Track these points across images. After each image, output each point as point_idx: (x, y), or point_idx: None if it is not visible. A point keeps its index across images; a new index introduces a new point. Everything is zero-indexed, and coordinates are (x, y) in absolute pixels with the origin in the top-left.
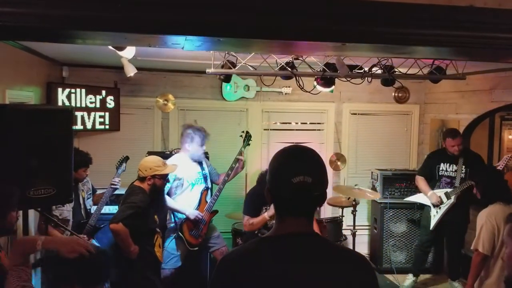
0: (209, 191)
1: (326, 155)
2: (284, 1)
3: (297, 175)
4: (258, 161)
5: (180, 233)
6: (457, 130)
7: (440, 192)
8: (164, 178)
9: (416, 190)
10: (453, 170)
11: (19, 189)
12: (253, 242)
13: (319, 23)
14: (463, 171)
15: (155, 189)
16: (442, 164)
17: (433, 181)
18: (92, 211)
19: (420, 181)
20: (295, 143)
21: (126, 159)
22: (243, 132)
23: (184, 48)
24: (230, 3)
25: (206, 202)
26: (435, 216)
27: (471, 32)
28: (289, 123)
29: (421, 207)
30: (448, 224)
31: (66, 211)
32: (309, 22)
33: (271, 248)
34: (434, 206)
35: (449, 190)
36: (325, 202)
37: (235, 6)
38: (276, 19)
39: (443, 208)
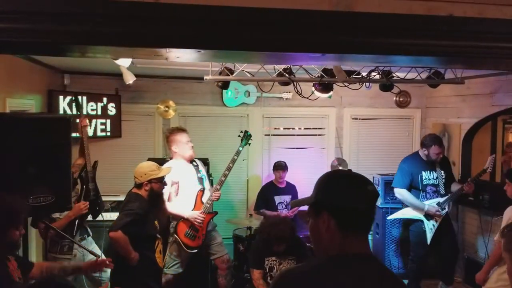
0: (204, 192)
1: (327, 160)
2: (260, 14)
3: (368, 184)
4: (259, 166)
5: (176, 235)
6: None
7: (433, 203)
8: (161, 181)
9: None
10: (434, 177)
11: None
12: (315, 261)
13: (298, 35)
14: (443, 177)
15: (153, 194)
16: (423, 173)
17: (416, 192)
18: None
19: (406, 194)
20: (296, 148)
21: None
22: (241, 131)
23: (167, 59)
24: (208, 18)
25: (202, 203)
26: (432, 229)
27: (450, 41)
28: (290, 128)
29: (409, 222)
30: (441, 232)
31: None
32: (288, 34)
33: (336, 269)
34: (430, 219)
35: (441, 200)
36: None
37: (212, 21)
38: (253, 32)
39: (439, 219)
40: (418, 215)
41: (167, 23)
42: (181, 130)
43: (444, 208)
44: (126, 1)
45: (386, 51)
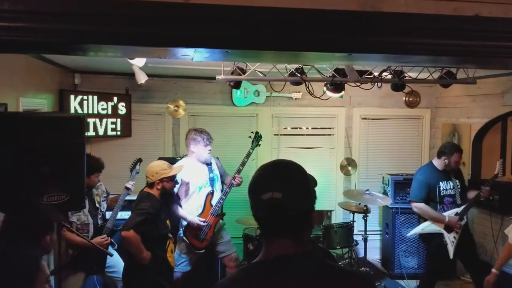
0: (213, 195)
1: (336, 160)
2: (288, 14)
3: (266, 191)
4: None
5: (184, 236)
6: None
7: (452, 214)
8: (172, 180)
9: None
10: (451, 187)
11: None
12: (242, 269)
13: (326, 35)
14: (458, 186)
15: (165, 193)
16: (441, 184)
17: (433, 205)
18: (107, 216)
19: (425, 207)
20: (306, 148)
21: (139, 161)
22: (252, 132)
23: (194, 59)
24: (236, 18)
25: (211, 205)
26: (453, 242)
27: (476, 41)
28: (299, 128)
29: (429, 237)
30: (461, 243)
31: (83, 215)
32: (316, 34)
33: (259, 274)
34: (450, 231)
35: (458, 210)
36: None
37: (241, 21)
38: (281, 32)
39: (459, 231)
40: (438, 229)
41: (197, 23)
42: (203, 132)
43: (463, 219)
44: (156, 1)
45: (412, 51)
